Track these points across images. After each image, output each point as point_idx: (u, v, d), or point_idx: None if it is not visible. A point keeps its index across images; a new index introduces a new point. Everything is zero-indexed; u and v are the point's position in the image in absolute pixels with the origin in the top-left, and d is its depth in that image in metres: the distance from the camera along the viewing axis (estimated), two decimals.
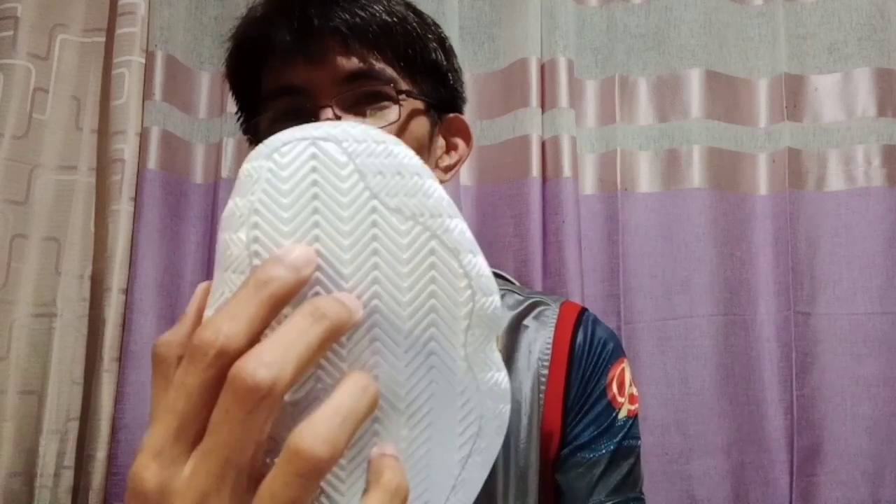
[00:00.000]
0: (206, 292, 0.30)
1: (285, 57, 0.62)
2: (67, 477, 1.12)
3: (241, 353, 0.25)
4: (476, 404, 0.31)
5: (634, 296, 1.16)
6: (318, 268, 0.28)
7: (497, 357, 0.32)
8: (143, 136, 1.17)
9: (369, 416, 0.27)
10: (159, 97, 1.18)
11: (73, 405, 1.14)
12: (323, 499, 0.27)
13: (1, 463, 1.09)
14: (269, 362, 0.24)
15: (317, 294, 0.28)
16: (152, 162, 1.16)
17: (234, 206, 0.29)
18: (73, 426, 1.14)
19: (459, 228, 0.30)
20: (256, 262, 0.28)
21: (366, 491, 0.27)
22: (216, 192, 1.19)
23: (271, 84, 0.64)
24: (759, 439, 1.13)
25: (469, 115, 1.23)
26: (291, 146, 0.29)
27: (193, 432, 0.25)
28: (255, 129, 0.66)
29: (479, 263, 0.30)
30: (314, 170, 0.28)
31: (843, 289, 1.15)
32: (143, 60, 1.18)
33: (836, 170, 1.18)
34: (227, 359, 0.24)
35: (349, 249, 0.28)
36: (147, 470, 0.25)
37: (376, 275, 0.29)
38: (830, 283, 1.16)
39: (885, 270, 1.15)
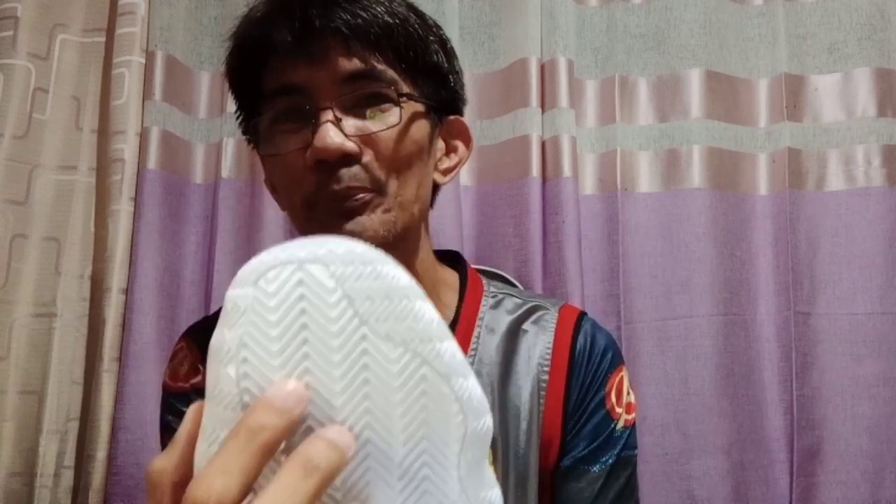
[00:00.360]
0: (198, 415, 0.29)
1: (286, 57, 0.61)
2: (67, 477, 1.12)
3: None
4: None
5: (634, 296, 1.16)
6: (309, 401, 0.27)
7: (490, 475, 0.32)
8: (143, 136, 1.17)
9: None
10: (159, 97, 1.18)
11: (73, 405, 1.14)
12: None
13: (1, 463, 1.09)
14: None
15: (308, 429, 0.27)
16: (152, 162, 1.16)
17: (223, 338, 0.28)
18: (73, 426, 1.14)
19: (450, 352, 0.30)
20: (247, 398, 0.27)
21: None
22: (216, 192, 1.19)
23: (271, 84, 0.63)
24: (759, 439, 1.13)
25: (469, 115, 1.23)
26: (278, 271, 0.28)
27: None
28: (255, 129, 0.66)
29: (471, 387, 0.30)
30: (302, 297, 0.28)
31: (843, 289, 1.15)
32: (143, 60, 1.18)
33: (836, 170, 1.18)
34: None
35: (340, 380, 0.28)
36: None
37: (368, 405, 0.28)
38: (830, 283, 1.16)
39: (885, 270, 1.15)
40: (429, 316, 0.29)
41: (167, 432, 0.74)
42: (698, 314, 1.15)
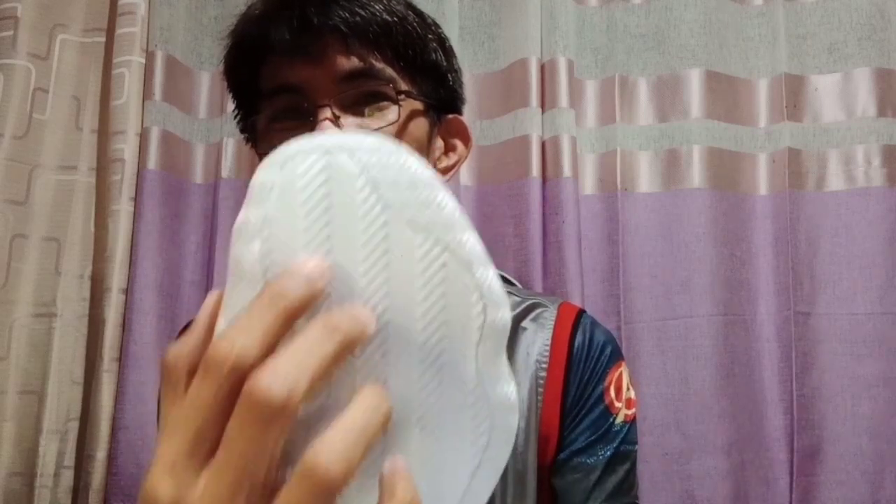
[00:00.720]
0: (217, 302, 0.30)
1: (284, 55, 0.61)
2: (67, 477, 1.12)
3: (255, 366, 0.25)
4: (486, 416, 0.31)
5: (634, 296, 1.16)
6: (331, 280, 0.28)
7: (507, 369, 0.32)
8: (143, 136, 1.17)
9: (382, 433, 0.27)
10: (159, 97, 1.18)
11: (73, 405, 1.14)
12: None
13: (1, 463, 1.09)
14: (283, 377, 0.24)
15: (330, 307, 0.27)
16: (152, 162, 1.16)
17: (247, 217, 0.29)
18: (73, 426, 1.14)
19: (472, 242, 0.30)
20: (269, 274, 0.28)
21: None
22: (216, 192, 1.19)
23: (270, 82, 0.63)
24: (759, 439, 1.13)
25: (469, 115, 1.23)
26: (305, 156, 0.29)
27: (207, 446, 0.25)
28: (253, 128, 0.66)
29: (491, 277, 0.30)
30: (327, 181, 0.28)
31: (843, 289, 1.15)
32: (143, 60, 1.18)
33: (836, 170, 1.18)
34: (241, 373, 0.24)
35: (362, 262, 0.28)
36: (161, 484, 0.25)
37: (389, 288, 0.28)
38: (830, 283, 1.16)
39: (885, 270, 1.15)
40: (452, 206, 0.30)
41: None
42: (698, 314, 1.15)
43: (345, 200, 0.28)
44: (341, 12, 0.60)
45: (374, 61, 0.61)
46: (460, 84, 0.71)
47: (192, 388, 0.25)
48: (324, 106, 0.60)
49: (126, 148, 1.15)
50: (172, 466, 0.25)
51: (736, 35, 1.22)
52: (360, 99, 0.61)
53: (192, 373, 0.28)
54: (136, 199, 1.15)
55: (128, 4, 1.18)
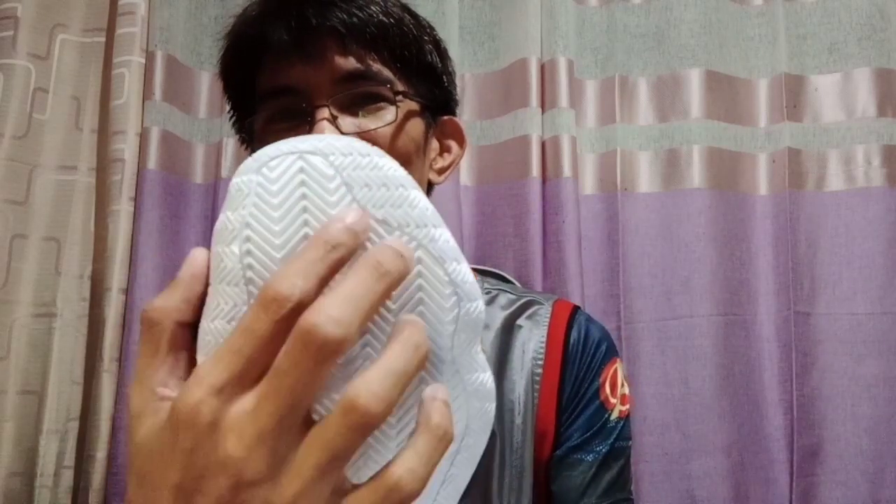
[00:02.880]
0: (202, 261, 0.31)
1: (281, 56, 0.61)
2: (67, 477, 1.12)
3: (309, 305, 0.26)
4: (463, 403, 0.32)
5: (634, 296, 1.16)
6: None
7: (482, 358, 0.33)
8: (143, 136, 1.17)
9: (419, 374, 0.29)
10: (159, 97, 1.18)
11: (73, 405, 1.14)
12: (369, 448, 0.29)
13: (1, 463, 1.09)
14: (338, 319, 0.25)
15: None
16: (152, 162, 1.16)
17: (226, 219, 0.30)
18: (73, 426, 1.14)
19: (444, 238, 0.31)
20: (249, 273, 0.28)
21: (414, 431, 0.28)
22: (216, 192, 1.19)
23: (267, 84, 0.63)
24: (759, 439, 1.13)
25: (469, 115, 1.23)
26: (280, 160, 0.29)
27: (256, 375, 0.26)
28: (250, 130, 0.65)
29: (464, 271, 0.31)
30: (303, 183, 0.29)
31: (843, 289, 1.15)
32: (143, 60, 1.18)
33: (836, 170, 1.18)
34: (300, 310, 0.26)
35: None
36: (205, 404, 0.25)
37: None
38: (830, 283, 1.16)
39: (885, 270, 1.15)
40: (423, 204, 0.31)
41: None
42: (698, 314, 1.15)
43: (320, 202, 0.29)
44: (339, 13, 0.60)
45: (371, 62, 0.61)
46: (454, 85, 0.72)
47: (247, 321, 0.26)
48: (322, 106, 0.60)
49: (126, 148, 1.15)
50: (220, 389, 0.26)
51: (736, 35, 1.22)
52: (357, 100, 0.61)
53: (177, 326, 0.29)
54: (136, 199, 1.15)
55: (128, 4, 1.18)
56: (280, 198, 0.29)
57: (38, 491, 1.09)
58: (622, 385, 0.71)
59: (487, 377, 0.33)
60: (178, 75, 1.21)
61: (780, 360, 1.14)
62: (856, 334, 1.14)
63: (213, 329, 0.29)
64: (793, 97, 1.20)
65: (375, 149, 0.31)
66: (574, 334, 0.70)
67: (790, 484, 1.11)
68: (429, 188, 0.69)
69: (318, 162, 0.29)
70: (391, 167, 0.30)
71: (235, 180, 0.30)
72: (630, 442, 0.71)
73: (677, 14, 1.21)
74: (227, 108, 0.70)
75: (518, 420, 0.66)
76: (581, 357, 0.70)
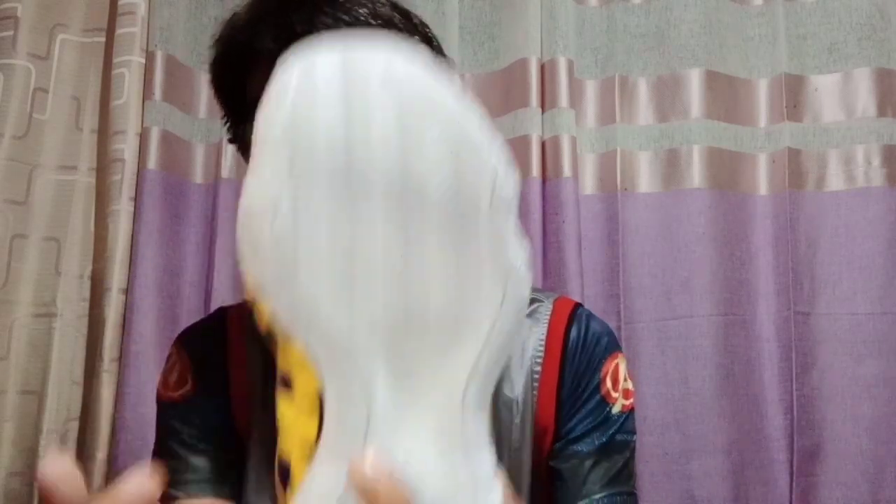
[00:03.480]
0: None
1: (270, 63, 0.61)
2: None
3: None
4: (501, 280, 0.34)
5: (634, 296, 1.16)
6: (350, 152, 0.31)
7: (518, 240, 0.35)
8: (143, 136, 1.17)
9: None
10: (159, 97, 1.18)
11: (73, 405, 1.14)
12: None
13: (1, 463, 1.09)
14: None
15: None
16: (152, 162, 1.16)
17: (270, 111, 0.32)
18: (73, 426, 1.14)
19: (482, 122, 0.33)
20: (292, 134, 0.31)
21: None
22: (216, 192, 1.19)
23: (256, 91, 0.62)
24: (759, 439, 1.13)
25: None
26: (324, 56, 0.32)
27: None
28: (243, 138, 0.65)
29: (501, 150, 0.33)
30: (344, 80, 0.31)
31: (843, 289, 1.15)
32: (143, 60, 1.18)
33: (836, 170, 1.18)
34: None
35: (379, 145, 0.31)
36: None
37: (405, 158, 0.31)
38: (830, 283, 1.16)
39: (885, 270, 1.15)
40: (462, 96, 0.33)
41: (157, 442, 0.74)
42: (698, 314, 1.15)
43: (362, 95, 0.31)
44: (325, 19, 0.60)
45: None
46: None
47: None
48: None
49: (126, 148, 1.15)
50: None
51: (736, 35, 1.22)
52: None
53: None
54: (136, 199, 1.15)
55: (128, 4, 1.18)
56: (323, 90, 0.31)
57: (38, 491, 1.09)
58: (625, 380, 0.70)
59: (523, 258, 0.35)
60: (178, 75, 1.21)
61: (780, 360, 1.14)
62: (856, 334, 1.14)
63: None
64: (793, 97, 1.20)
65: (417, 48, 0.33)
66: (574, 330, 0.69)
67: (790, 484, 1.11)
68: None
69: (359, 57, 0.32)
70: (428, 63, 0.33)
71: (279, 78, 0.34)
72: (634, 437, 0.69)
73: (677, 14, 1.21)
74: (222, 114, 0.70)
75: (517, 420, 0.66)
76: (581, 352, 0.69)
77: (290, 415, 0.34)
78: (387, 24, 0.63)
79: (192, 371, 0.72)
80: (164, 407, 0.74)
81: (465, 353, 0.33)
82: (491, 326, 0.33)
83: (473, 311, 0.33)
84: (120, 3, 1.18)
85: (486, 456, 0.34)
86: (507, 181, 0.33)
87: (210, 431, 0.70)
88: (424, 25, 0.68)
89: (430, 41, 0.68)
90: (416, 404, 0.32)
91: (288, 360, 0.34)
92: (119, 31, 1.18)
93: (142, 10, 1.18)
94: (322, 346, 0.32)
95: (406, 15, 0.66)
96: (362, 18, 0.61)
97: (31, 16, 1.16)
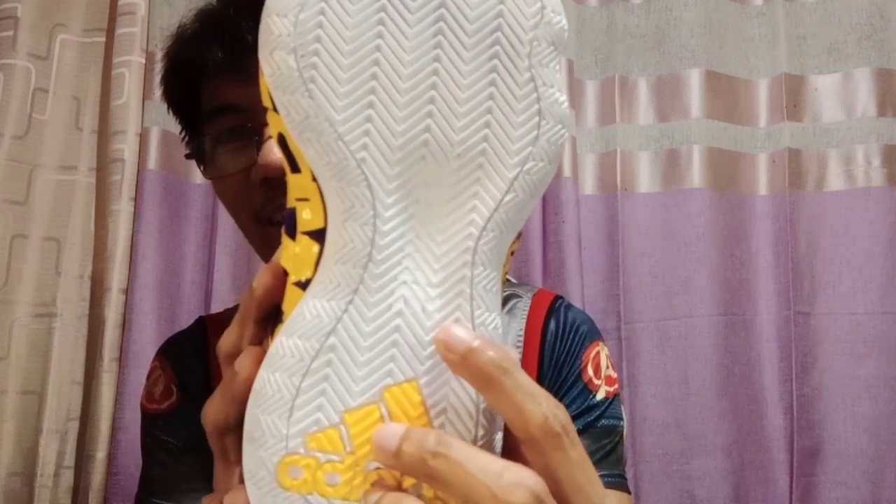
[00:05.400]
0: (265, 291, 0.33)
1: (220, 76, 0.60)
2: (67, 477, 1.12)
3: None
4: (535, 116, 0.32)
5: (634, 296, 1.16)
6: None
7: (560, 79, 0.33)
8: (143, 136, 1.17)
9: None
10: (159, 97, 1.17)
11: (73, 405, 1.14)
12: None
13: (1, 463, 1.09)
14: None
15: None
16: (152, 162, 1.16)
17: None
18: (73, 426, 1.14)
19: None
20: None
21: None
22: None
23: (209, 104, 0.62)
24: (759, 439, 1.13)
25: None
26: None
27: None
28: (200, 152, 0.64)
29: None
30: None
31: (843, 289, 1.15)
32: (143, 60, 1.18)
33: (836, 170, 1.18)
34: None
35: None
36: None
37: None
38: (830, 283, 1.16)
39: (885, 270, 1.15)
40: None
41: (147, 455, 0.74)
42: (698, 314, 1.14)
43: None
44: None
45: None
46: None
47: None
48: (268, 124, 0.60)
49: (126, 148, 1.15)
50: None
51: (736, 35, 1.22)
52: None
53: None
54: (136, 199, 1.15)
55: (128, 4, 1.18)
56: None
57: (38, 491, 1.09)
58: (607, 367, 0.69)
59: (563, 98, 0.33)
60: None
61: (780, 360, 1.14)
62: (856, 334, 1.14)
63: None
64: (793, 97, 1.20)
65: None
66: (552, 322, 0.69)
67: (790, 484, 1.11)
68: None
69: None
70: None
71: None
72: (622, 422, 0.69)
73: (677, 14, 1.21)
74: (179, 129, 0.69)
75: (498, 420, 0.66)
76: (560, 342, 0.68)
77: (291, 252, 0.33)
78: None
79: (177, 382, 0.72)
80: (152, 419, 0.73)
81: (487, 191, 0.31)
82: (519, 167, 0.31)
83: (501, 145, 0.31)
84: (120, 3, 1.18)
85: (492, 319, 0.32)
86: (553, 25, 0.31)
87: (199, 440, 0.70)
88: None
89: None
90: (424, 238, 0.31)
91: (293, 192, 0.33)
92: (119, 31, 1.18)
93: (142, 10, 1.18)
94: (331, 157, 0.30)
95: None
96: None
97: (31, 16, 1.16)
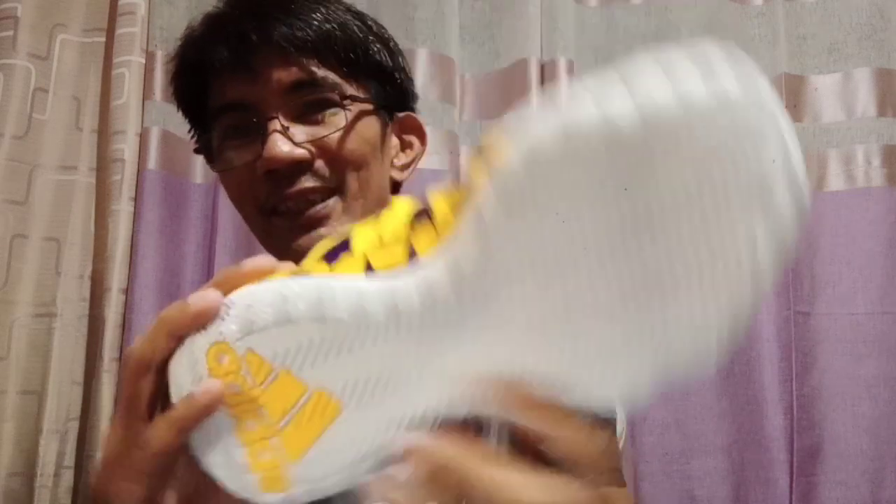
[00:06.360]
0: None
1: (226, 74, 0.63)
2: (67, 477, 1.12)
3: None
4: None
5: None
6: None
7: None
8: (143, 136, 1.17)
9: None
10: (159, 97, 1.18)
11: (73, 405, 1.14)
12: None
13: (1, 463, 1.09)
14: None
15: None
16: (152, 162, 1.16)
17: None
18: (73, 426, 1.13)
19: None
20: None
21: None
22: (216, 192, 1.19)
23: (215, 102, 0.65)
24: (759, 439, 1.13)
25: (469, 115, 1.23)
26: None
27: None
28: (208, 148, 0.67)
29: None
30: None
31: (843, 289, 1.15)
32: (143, 60, 1.18)
33: (836, 170, 1.18)
34: None
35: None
36: None
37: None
38: (830, 283, 1.16)
39: (885, 270, 1.15)
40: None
41: None
42: None
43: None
44: (279, 26, 0.61)
45: (315, 70, 0.62)
46: (410, 82, 0.72)
47: None
48: (272, 118, 0.61)
49: (126, 148, 1.15)
50: None
51: (736, 35, 1.22)
52: (306, 108, 0.62)
53: None
54: (136, 199, 1.15)
55: (128, 4, 1.18)
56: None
57: (38, 491, 1.09)
58: None
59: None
60: None
61: (780, 360, 1.14)
62: (856, 334, 1.14)
63: None
64: (793, 97, 1.20)
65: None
66: None
67: (790, 484, 1.11)
68: (394, 187, 0.69)
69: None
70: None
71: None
72: (614, 416, 0.69)
73: (677, 14, 1.21)
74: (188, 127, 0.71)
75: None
76: None
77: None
78: (341, 27, 0.64)
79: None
80: None
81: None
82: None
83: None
84: (120, 3, 1.18)
85: None
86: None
87: None
88: (380, 26, 0.69)
89: (385, 42, 0.69)
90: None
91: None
92: (119, 31, 1.18)
93: (142, 10, 1.18)
94: None
95: (361, 17, 0.67)
96: (316, 24, 0.62)
97: (31, 16, 1.17)
